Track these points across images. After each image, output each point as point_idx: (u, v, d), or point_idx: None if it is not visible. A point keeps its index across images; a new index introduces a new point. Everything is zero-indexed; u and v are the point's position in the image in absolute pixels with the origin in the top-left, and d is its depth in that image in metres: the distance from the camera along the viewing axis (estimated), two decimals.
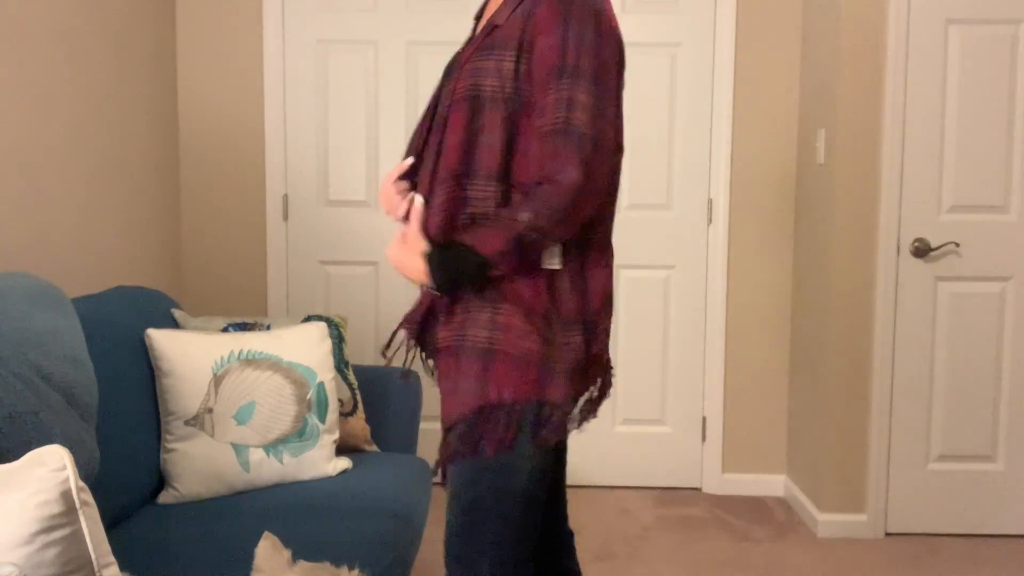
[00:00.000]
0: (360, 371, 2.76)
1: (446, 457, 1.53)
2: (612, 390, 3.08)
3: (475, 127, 1.51)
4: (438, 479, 1.50)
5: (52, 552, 1.09)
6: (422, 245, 1.53)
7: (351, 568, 1.36)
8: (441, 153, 1.54)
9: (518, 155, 1.51)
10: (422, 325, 1.62)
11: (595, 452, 3.73)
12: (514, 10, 1.53)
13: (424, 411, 3.65)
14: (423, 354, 1.68)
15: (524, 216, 1.46)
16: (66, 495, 1.11)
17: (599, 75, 1.47)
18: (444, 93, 1.59)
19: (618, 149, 1.58)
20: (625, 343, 3.70)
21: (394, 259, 1.56)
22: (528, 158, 1.50)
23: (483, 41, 1.54)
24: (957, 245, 3.17)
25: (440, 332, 1.57)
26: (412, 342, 1.65)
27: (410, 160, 1.65)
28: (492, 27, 1.54)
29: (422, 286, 1.59)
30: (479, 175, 1.51)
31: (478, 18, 1.75)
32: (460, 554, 1.53)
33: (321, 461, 2.39)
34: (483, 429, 1.49)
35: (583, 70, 1.46)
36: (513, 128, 1.50)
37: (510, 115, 1.50)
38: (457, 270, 1.50)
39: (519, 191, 1.51)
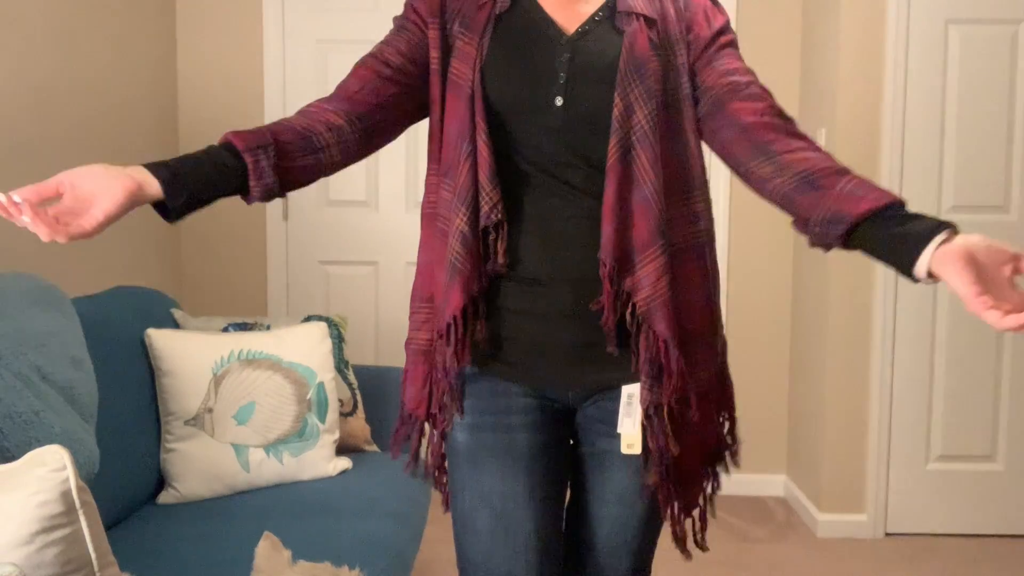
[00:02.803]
0: (360, 371, 2.75)
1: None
2: None
3: None
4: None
5: (52, 552, 1.09)
6: None
7: (351, 568, 1.36)
8: None
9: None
10: None
11: None
12: None
13: None
14: None
15: None
16: (66, 495, 1.11)
17: None
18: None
19: None
20: None
21: None
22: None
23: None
24: None
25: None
26: None
27: None
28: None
29: None
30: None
31: None
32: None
33: (321, 461, 2.39)
34: None
35: None
36: None
37: None
38: None
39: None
